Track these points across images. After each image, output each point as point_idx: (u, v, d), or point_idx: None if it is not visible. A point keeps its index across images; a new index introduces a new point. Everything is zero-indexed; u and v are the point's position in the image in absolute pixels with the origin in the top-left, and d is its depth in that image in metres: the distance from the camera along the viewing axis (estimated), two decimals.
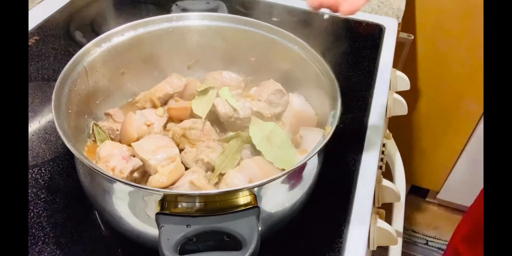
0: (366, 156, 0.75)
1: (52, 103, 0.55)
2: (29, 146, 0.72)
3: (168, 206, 0.48)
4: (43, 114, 0.79)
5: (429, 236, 1.70)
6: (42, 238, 0.61)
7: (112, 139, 0.65)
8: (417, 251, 1.66)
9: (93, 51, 0.64)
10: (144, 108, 0.69)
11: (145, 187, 0.51)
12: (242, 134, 0.61)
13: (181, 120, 0.65)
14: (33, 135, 0.75)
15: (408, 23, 1.27)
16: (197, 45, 0.73)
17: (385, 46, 0.98)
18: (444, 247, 1.67)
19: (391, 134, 1.05)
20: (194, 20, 0.71)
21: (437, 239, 1.69)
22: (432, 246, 1.67)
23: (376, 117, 0.82)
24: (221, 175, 0.58)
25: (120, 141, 0.64)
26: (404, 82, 1.02)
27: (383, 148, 0.95)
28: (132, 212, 0.52)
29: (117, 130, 0.65)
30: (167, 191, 0.51)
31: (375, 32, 1.02)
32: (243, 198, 0.49)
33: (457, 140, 1.52)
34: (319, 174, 0.60)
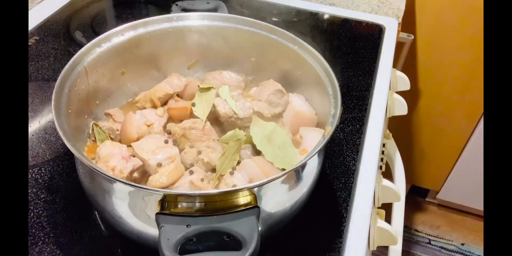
0: (366, 156, 0.75)
1: (52, 103, 0.55)
2: (29, 146, 0.72)
3: (168, 206, 0.48)
4: (43, 114, 0.79)
5: (431, 235, 1.70)
6: (42, 238, 0.61)
7: (112, 139, 0.65)
8: (419, 250, 1.66)
9: (93, 51, 0.64)
10: (144, 108, 0.69)
11: (145, 187, 0.51)
12: (239, 132, 0.61)
13: (181, 120, 0.65)
14: (33, 135, 0.75)
15: (408, 23, 1.27)
16: (197, 45, 0.73)
17: (385, 46, 0.98)
18: (447, 246, 1.67)
19: (391, 134, 1.06)
20: (194, 20, 0.71)
21: (440, 238, 1.69)
22: (434, 245, 1.67)
23: (376, 117, 0.82)
24: (221, 175, 0.58)
25: (120, 141, 0.64)
26: (404, 82, 1.02)
27: (383, 148, 0.95)
28: (132, 212, 0.52)
29: (117, 130, 0.65)
30: (167, 191, 0.51)
31: (375, 32, 1.03)
32: (243, 198, 0.49)
33: (457, 140, 1.52)
34: (319, 174, 0.60)
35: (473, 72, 1.34)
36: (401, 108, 0.96)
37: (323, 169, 0.61)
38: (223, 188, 0.56)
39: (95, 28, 1.00)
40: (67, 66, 0.60)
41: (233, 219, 0.47)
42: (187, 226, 0.46)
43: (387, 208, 0.86)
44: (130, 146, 0.60)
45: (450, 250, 1.66)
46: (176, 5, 1.06)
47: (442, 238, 1.70)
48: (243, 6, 1.08)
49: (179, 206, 0.48)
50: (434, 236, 1.70)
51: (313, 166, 0.58)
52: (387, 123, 1.03)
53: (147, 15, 0.69)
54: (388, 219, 0.81)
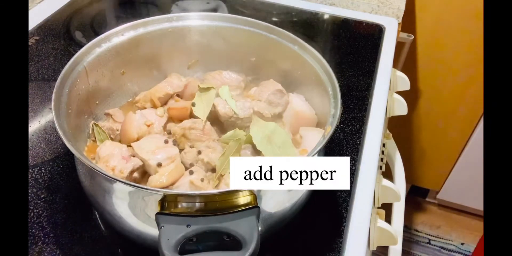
0: (366, 156, 0.75)
1: (52, 103, 0.55)
2: (29, 146, 0.72)
3: (168, 206, 0.48)
4: (43, 114, 0.79)
5: (431, 235, 1.70)
6: (42, 238, 0.61)
7: (112, 139, 0.65)
8: (419, 250, 1.66)
9: (93, 51, 0.64)
10: (144, 108, 0.69)
11: (145, 187, 0.51)
12: (239, 132, 0.61)
13: (181, 120, 0.65)
14: (33, 135, 0.75)
15: (408, 23, 1.27)
16: (197, 45, 0.73)
17: (385, 46, 0.98)
18: (447, 246, 1.67)
19: (391, 134, 1.05)
20: (194, 20, 0.71)
21: (440, 238, 1.69)
22: (434, 245, 1.67)
23: (376, 117, 0.82)
24: (221, 175, 0.58)
25: (120, 141, 0.64)
26: (404, 82, 1.02)
27: (383, 148, 0.95)
28: (132, 212, 0.52)
29: (117, 130, 0.65)
30: (167, 191, 0.51)
31: (375, 32, 1.02)
32: (243, 198, 0.49)
33: (457, 140, 1.52)
34: None
35: (473, 72, 1.34)
36: (401, 108, 0.96)
37: None
38: (223, 188, 0.56)
39: (95, 28, 1.00)
40: (67, 66, 0.60)
41: (233, 219, 0.47)
42: (187, 226, 0.46)
43: (387, 208, 0.86)
44: (130, 146, 0.60)
45: (450, 250, 1.66)
46: (176, 5, 1.06)
47: (442, 238, 1.70)
48: (243, 6, 1.08)
49: (179, 206, 0.48)
50: (434, 236, 1.70)
51: None
52: (387, 123, 1.03)
53: (147, 15, 0.69)
54: (388, 219, 0.81)
